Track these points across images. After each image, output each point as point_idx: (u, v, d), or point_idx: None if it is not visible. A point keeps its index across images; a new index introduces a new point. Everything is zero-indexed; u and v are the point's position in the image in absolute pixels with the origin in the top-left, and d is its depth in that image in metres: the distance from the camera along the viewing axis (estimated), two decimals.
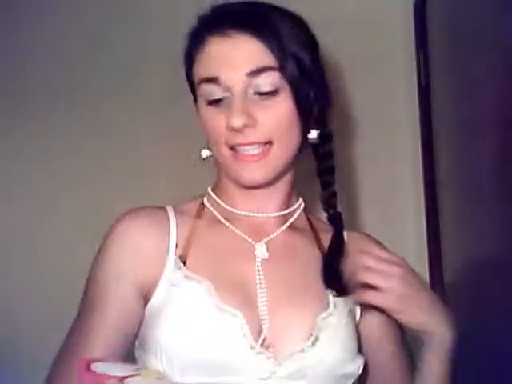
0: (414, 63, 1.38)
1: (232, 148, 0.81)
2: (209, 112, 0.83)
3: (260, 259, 0.83)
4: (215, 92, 0.81)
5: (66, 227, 1.32)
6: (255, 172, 0.81)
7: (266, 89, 0.80)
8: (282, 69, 0.80)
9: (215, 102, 0.82)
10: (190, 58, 0.85)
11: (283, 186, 0.87)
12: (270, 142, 0.81)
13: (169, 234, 0.83)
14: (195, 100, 0.87)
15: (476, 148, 1.07)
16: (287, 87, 0.81)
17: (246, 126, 0.79)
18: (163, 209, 0.86)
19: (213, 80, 0.81)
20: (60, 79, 1.37)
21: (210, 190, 0.89)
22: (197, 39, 0.84)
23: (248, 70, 0.80)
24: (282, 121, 0.81)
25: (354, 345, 0.83)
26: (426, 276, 1.32)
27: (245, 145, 0.80)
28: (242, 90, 0.80)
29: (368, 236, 0.95)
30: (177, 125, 1.26)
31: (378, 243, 0.92)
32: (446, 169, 1.27)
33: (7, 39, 1.36)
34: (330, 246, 0.86)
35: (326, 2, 1.37)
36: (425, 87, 1.35)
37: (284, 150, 0.82)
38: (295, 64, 0.81)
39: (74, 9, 1.37)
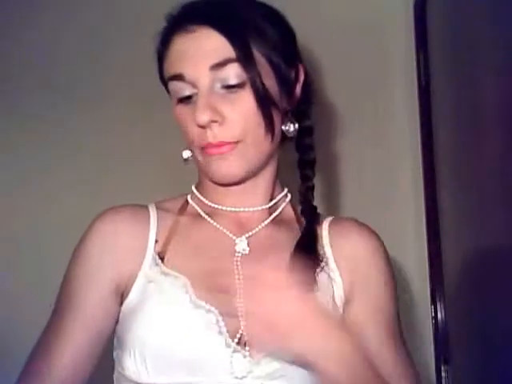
0: (414, 63, 1.38)
1: (203, 149, 0.80)
2: (179, 110, 0.81)
3: (240, 254, 0.81)
4: (183, 89, 0.80)
5: (65, 227, 1.32)
6: (226, 168, 0.79)
7: (231, 81, 0.78)
8: (241, 61, 0.78)
9: (185, 100, 0.80)
10: (159, 58, 0.84)
11: (264, 179, 0.85)
12: (238, 141, 0.79)
13: (149, 230, 0.82)
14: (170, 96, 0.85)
15: (476, 148, 1.07)
16: (250, 80, 0.79)
17: (212, 121, 0.77)
18: (145, 206, 0.85)
19: (178, 77, 0.79)
20: (57, 78, 1.37)
21: (193, 188, 0.88)
22: (163, 38, 0.83)
23: (211, 64, 0.78)
24: (248, 115, 0.79)
25: None
26: (426, 276, 1.32)
27: (213, 146, 0.78)
28: (208, 85, 0.78)
29: (357, 223, 0.89)
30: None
31: (368, 229, 0.88)
32: (446, 169, 1.28)
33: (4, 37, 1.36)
34: (298, 241, 0.83)
35: (325, 2, 1.37)
36: (425, 87, 1.36)
37: (255, 145, 0.80)
38: (258, 57, 0.79)
39: (70, 8, 1.37)
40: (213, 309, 0.76)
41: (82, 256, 0.81)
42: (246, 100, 0.79)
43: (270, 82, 0.80)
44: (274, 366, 0.75)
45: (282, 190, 0.89)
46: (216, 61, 0.78)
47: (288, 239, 0.83)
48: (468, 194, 1.12)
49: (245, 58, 0.78)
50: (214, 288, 0.77)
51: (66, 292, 0.81)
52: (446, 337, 1.28)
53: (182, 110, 0.81)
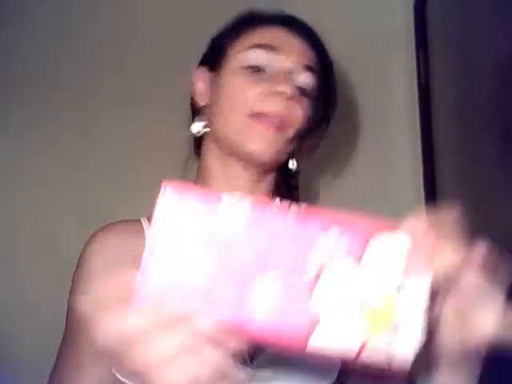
0: (414, 63, 1.38)
1: (251, 114, 0.80)
2: (244, 76, 0.81)
3: None
4: (265, 60, 0.81)
5: (65, 227, 1.32)
6: (268, 143, 0.79)
7: (306, 86, 0.83)
8: (320, 78, 0.84)
9: (256, 70, 0.81)
10: (238, 28, 0.86)
11: (265, 184, 0.85)
12: (286, 128, 0.81)
13: (144, 241, 0.80)
14: (210, 64, 0.87)
15: (476, 148, 1.07)
16: (314, 97, 0.84)
17: (288, 98, 0.79)
18: (138, 220, 0.83)
19: (270, 47, 0.82)
20: (54, 77, 1.36)
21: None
22: (254, 19, 0.86)
23: (305, 62, 0.83)
24: (305, 120, 0.82)
25: None
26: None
27: (271, 113, 0.79)
28: (291, 75, 0.81)
29: None
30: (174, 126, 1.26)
31: None
32: (447, 169, 1.27)
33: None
34: None
35: (325, 2, 1.37)
36: (425, 87, 1.36)
37: (292, 139, 0.82)
38: (328, 80, 0.87)
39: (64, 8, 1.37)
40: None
41: (86, 275, 0.79)
42: (306, 106, 0.83)
43: (320, 112, 0.87)
44: (275, 369, 0.74)
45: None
46: (309, 63, 0.84)
47: None
48: (469, 195, 1.12)
49: (326, 76, 0.87)
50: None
51: (76, 320, 0.77)
52: None
53: (247, 77, 0.82)
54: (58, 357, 0.78)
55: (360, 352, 0.47)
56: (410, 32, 1.38)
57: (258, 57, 0.81)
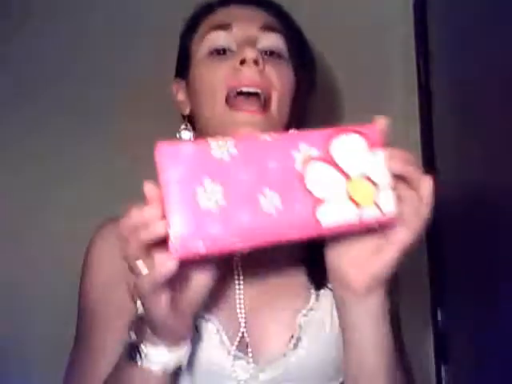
0: (414, 63, 1.38)
1: (228, 99, 0.77)
2: (209, 62, 0.79)
3: (239, 254, 0.78)
4: (223, 40, 0.79)
5: (65, 227, 1.32)
6: (256, 129, 0.75)
7: (273, 48, 0.80)
8: (287, 37, 0.80)
9: (220, 53, 0.79)
10: (193, 22, 0.84)
11: None
12: (268, 99, 0.77)
13: None
14: (181, 72, 0.85)
15: (477, 148, 1.07)
16: (289, 59, 0.81)
17: (255, 61, 0.76)
18: None
19: (224, 26, 0.80)
20: (51, 78, 1.36)
21: None
22: (205, 8, 0.84)
23: (260, 24, 0.80)
24: (285, 81, 0.79)
25: (340, 340, 0.74)
26: (426, 276, 1.32)
27: (247, 85, 0.76)
28: (253, 42, 0.78)
29: None
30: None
31: None
32: (447, 169, 1.27)
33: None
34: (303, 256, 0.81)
35: (325, 2, 1.37)
36: (425, 87, 1.35)
37: (280, 114, 0.78)
38: (297, 40, 0.82)
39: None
40: (211, 317, 0.75)
41: (94, 268, 0.80)
42: (285, 68, 0.80)
43: (302, 73, 0.82)
44: (279, 371, 0.74)
45: None
46: (266, 23, 0.80)
47: None
48: (469, 195, 1.12)
49: (291, 35, 0.81)
50: (212, 293, 0.74)
51: (88, 316, 0.79)
52: (446, 337, 1.28)
53: (214, 61, 0.79)
54: (73, 355, 0.80)
55: (360, 221, 0.59)
56: (410, 32, 1.38)
57: (215, 38, 0.80)
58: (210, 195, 0.54)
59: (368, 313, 0.64)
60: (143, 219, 0.55)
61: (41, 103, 1.35)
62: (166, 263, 0.54)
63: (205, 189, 0.54)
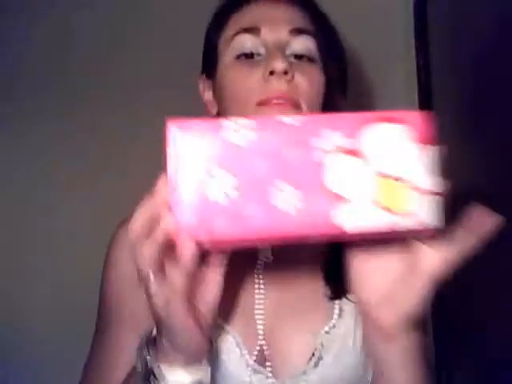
0: (414, 63, 1.38)
1: (260, 104, 0.73)
2: (238, 67, 0.76)
3: (262, 263, 0.75)
4: (251, 44, 0.75)
5: (67, 229, 1.32)
6: None
7: (303, 52, 0.76)
8: (319, 37, 0.77)
9: (247, 57, 0.76)
10: (221, 19, 0.80)
11: None
12: (298, 103, 0.73)
13: None
14: (208, 70, 0.82)
15: (477, 149, 1.07)
16: (320, 60, 0.77)
17: (286, 72, 0.72)
18: None
19: (252, 30, 0.76)
20: (50, 78, 1.36)
21: None
22: (235, 2, 0.80)
23: (291, 28, 0.76)
24: (314, 86, 0.75)
25: (363, 359, 0.73)
26: None
27: (276, 97, 0.72)
28: (282, 47, 0.75)
29: None
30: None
31: None
32: (447, 169, 1.27)
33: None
34: (325, 268, 0.78)
35: (325, 2, 1.37)
36: (425, 87, 1.35)
37: (311, 113, 0.75)
38: (329, 40, 0.80)
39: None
40: (230, 329, 0.73)
41: (116, 265, 0.78)
42: (315, 73, 0.76)
43: (333, 73, 0.80)
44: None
45: None
46: (296, 26, 0.77)
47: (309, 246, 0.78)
48: (470, 195, 1.11)
49: (323, 36, 0.78)
50: (231, 303, 0.73)
51: (107, 306, 0.78)
52: (446, 338, 1.27)
53: (242, 66, 0.75)
54: (94, 345, 0.79)
55: (391, 229, 0.50)
56: (410, 32, 1.38)
57: (242, 41, 0.76)
58: (221, 186, 0.50)
59: (396, 354, 0.58)
60: (152, 213, 0.52)
61: (40, 103, 1.36)
62: (186, 245, 0.50)
63: (215, 178, 0.50)
